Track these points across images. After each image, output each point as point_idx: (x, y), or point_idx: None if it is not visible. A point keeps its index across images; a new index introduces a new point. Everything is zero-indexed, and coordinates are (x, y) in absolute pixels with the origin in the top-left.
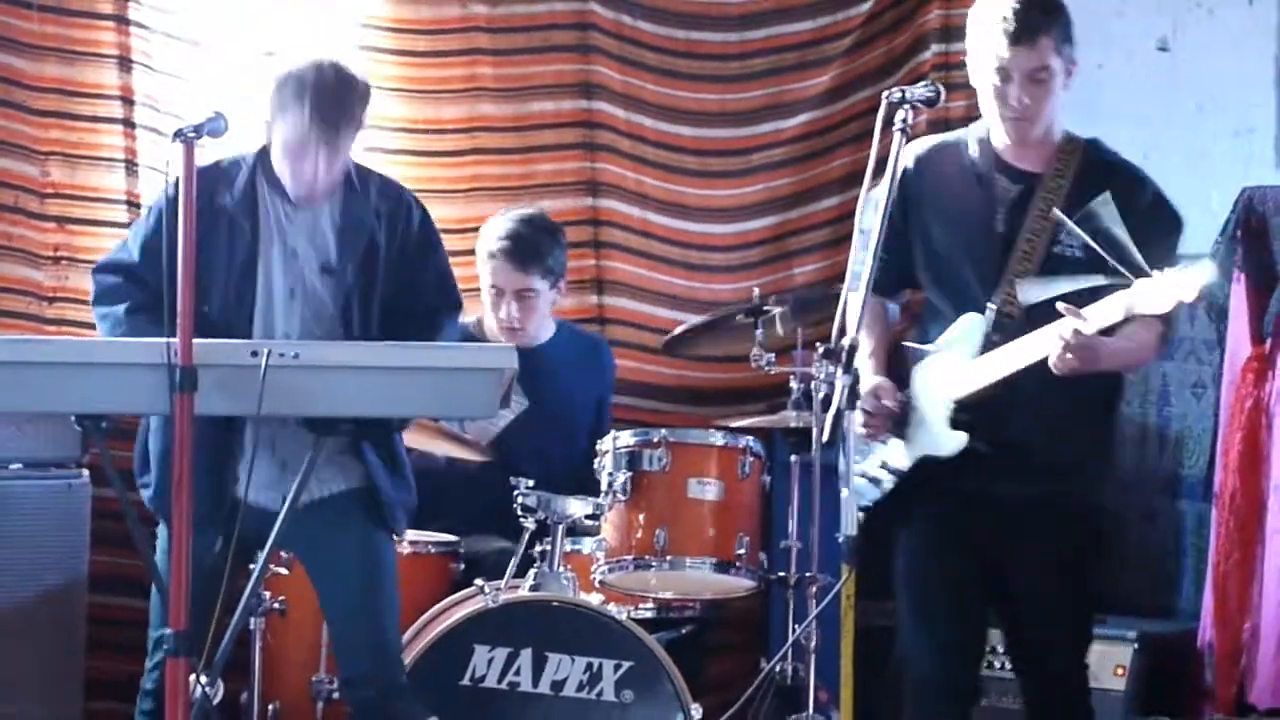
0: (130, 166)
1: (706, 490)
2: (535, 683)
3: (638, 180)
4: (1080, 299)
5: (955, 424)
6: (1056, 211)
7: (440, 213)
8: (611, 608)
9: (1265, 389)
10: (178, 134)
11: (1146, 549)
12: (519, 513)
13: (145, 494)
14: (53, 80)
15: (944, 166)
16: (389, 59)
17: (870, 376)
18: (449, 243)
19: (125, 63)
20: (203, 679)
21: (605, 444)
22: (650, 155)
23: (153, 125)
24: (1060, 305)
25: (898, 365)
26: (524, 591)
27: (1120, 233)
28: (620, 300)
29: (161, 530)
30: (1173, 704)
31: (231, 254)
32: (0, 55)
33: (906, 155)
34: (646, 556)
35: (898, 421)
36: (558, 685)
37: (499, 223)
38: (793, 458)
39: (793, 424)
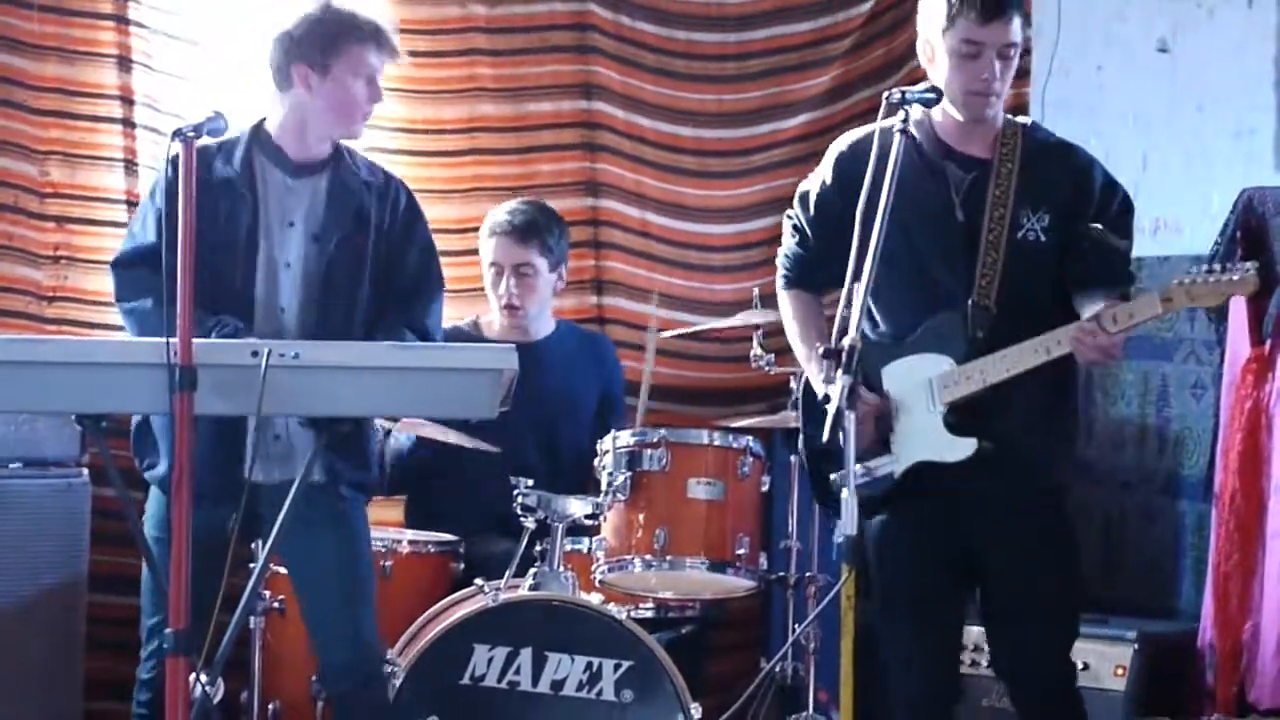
0: (130, 166)
1: (706, 490)
2: (535, 682)
3: (637, 181)
4: (1032, 279)
5: (953, 428)
6: (1097, 226)
7: (439, 213)
8: (611, 607)
9: (1265, 390)
10: (177, 133)
11: (1146, 549)
12: (519, 512)
13: (151, 474)
14: (52, 80)
15: (884, 156)
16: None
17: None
18: (448, 243)
19: (125, 62)
20: (203, 678)
21: (605, 443)
22: (650, 156)
23: (152, 125)
24: (1104, 311)
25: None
26: (524, 591)
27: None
28: (619, 300)
29: (154, 507)
30: (1173, 704)
31: (233, 227)
32: (0, 54)
33: (840, 145)
34: (646, 556)
35: (880, 427)
36: (557, 685)
37: (501, 207)
38: (793, 458)
39: (793, 424)
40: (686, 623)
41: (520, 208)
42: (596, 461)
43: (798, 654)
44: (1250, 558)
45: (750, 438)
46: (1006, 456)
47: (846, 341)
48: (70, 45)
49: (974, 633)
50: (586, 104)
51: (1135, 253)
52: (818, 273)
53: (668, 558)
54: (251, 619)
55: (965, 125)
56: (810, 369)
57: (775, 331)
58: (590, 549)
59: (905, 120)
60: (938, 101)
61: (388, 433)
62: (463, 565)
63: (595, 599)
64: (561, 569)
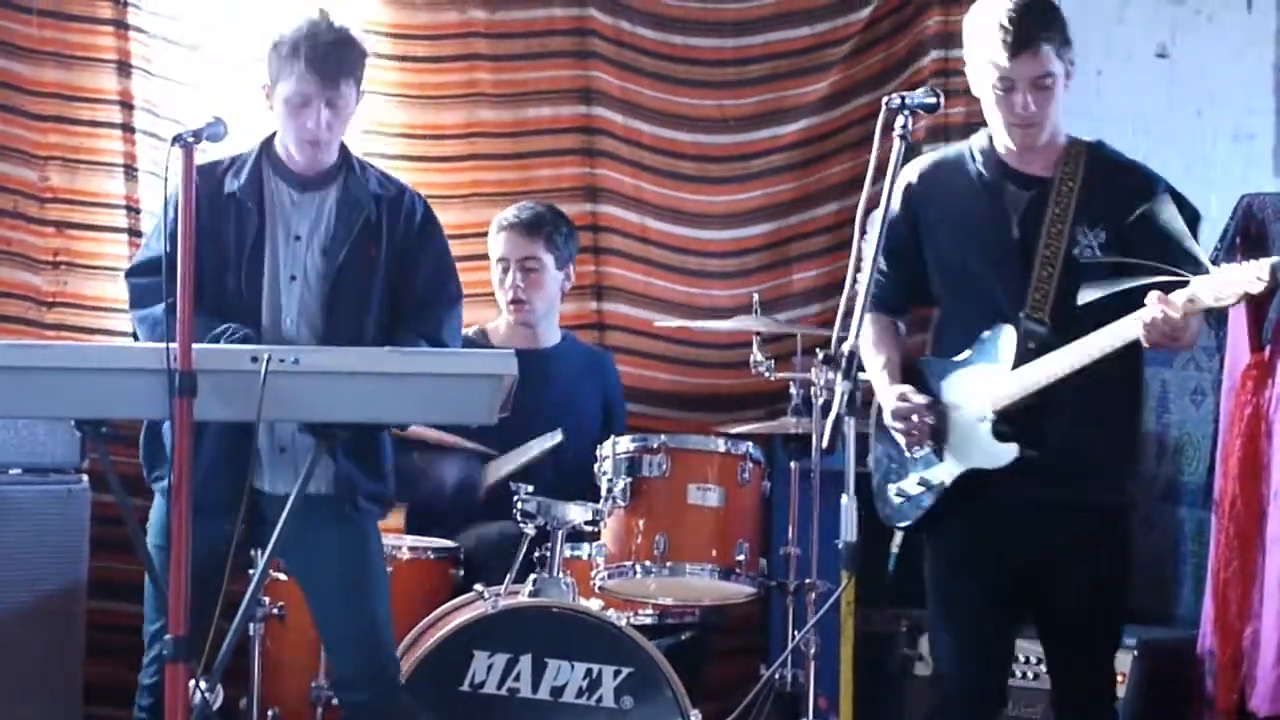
0: (129, 171)
1: (706, 496)
2: (535, 689)
3: (636, 186)
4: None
5: (999, 435)
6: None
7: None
8: (611, 614)
9: (1265, 396)
10: (177, 139)
11: (1146, 556)
12: (519, 518)
13: (159, 485)
14: (52, 85)
15: (949, 179)
16: (388, 64)
17: (892, 387)
18: None
19: (124, 68)
20: (202, 684)
21: (605, 449)
22: (649, 161)
23: (152, 130)
24: (1154, 295)
25: (915, 381)
26: (523, 597)
27: (1177, 229)
28: (619, 306)
29: (156, 515)
30: (1173, 711)
31: (241, 238)
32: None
33: (910, 172)
34: (646, 562)
35: (936, 435)
36: (557, 691)
37: (511, 207)
38: (792, 464)
39: (793, 430)
40: (686, 629)
41: (528, 205)
42: (596, 467)
43: (797, 660)
44: (1250, 564)
45: (750, 444)
46: (1056, 466)
47: (845, 347)
48: (69, 50)
49: None
50: (585, 109)
51: None
52: (896, 297)
53: (667, 564)
54: (251, 625)
55: (1023, 146)
56: (876, 387)
57: (774, 337)
58: (590, 555)
59: (905, 127)
60: (937, 107)
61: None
62: (462, 572)
63: (595, 605)
64: (561, 575)
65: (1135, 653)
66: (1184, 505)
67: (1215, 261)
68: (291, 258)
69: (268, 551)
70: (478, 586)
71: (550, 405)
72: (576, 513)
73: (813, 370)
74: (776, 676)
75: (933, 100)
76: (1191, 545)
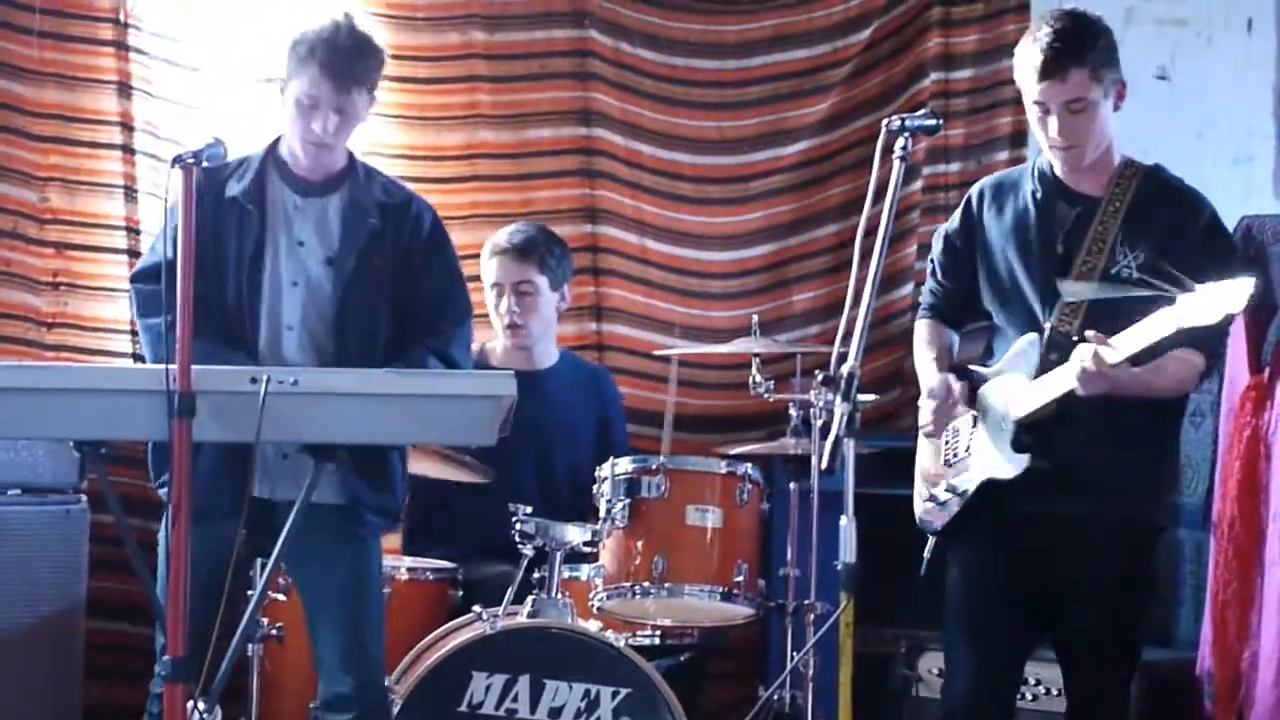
0: (129, 192)
1: (705, 517)
2: (533, 709)
3: (636, 207)
4: (1119, 312)
5: (1018, 444)
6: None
7: None
8: (609, 635)
9: (1264, 418)
10: (177, 160)
11: None
12: (517, 539)
13: (164, 491)
14: (52, 106)
15: (1006, 197)
16: (388, 85)
17: (939, 374)
18: None
19: (125, 89)
20: (200, 705)
21: (604, 470)
22: (649, 182)
23: (152, 151)
24: (1089, 333)
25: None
26: (522, 618)
27: (1178, 249)
28: (619, 327)
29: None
30: None
31: (241, 242)
32: (0, 80)
33: (974, 189)
34: (645, 583)
35: (965, 444)
36: (555, 712)
37: (502, 229)
38: (792, 485)
39: (792, 451)
40: (685, 650)
41: (519, 228)
42: (595, 488)
43: (796, 681)
44: (1249, 586)
45: (749, 465)
46: (1072, 479)
47: (845, 369)
48: (70, 71)
49: None
50: (586, 130)
51: None
52: (950, 308)
53: (666, 585)
54: (249, 646)
55: (1068, 168)
56: (922, 377)
57: (773, 359)
58: (588, 576)
59: (904, 149)
60: (937, 129)
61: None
62: (461, 593)
63: (593, 626)
64: (559, 596)
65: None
66: (1183, 527)
67: None
68: (294, 263)
69: (268, 570)
70: (476, 607)
71: (545, 426)
72: (575, 534)
73: (812, 391)
74: (775, 698)
75: (932, 122)
76: (1190, 567)
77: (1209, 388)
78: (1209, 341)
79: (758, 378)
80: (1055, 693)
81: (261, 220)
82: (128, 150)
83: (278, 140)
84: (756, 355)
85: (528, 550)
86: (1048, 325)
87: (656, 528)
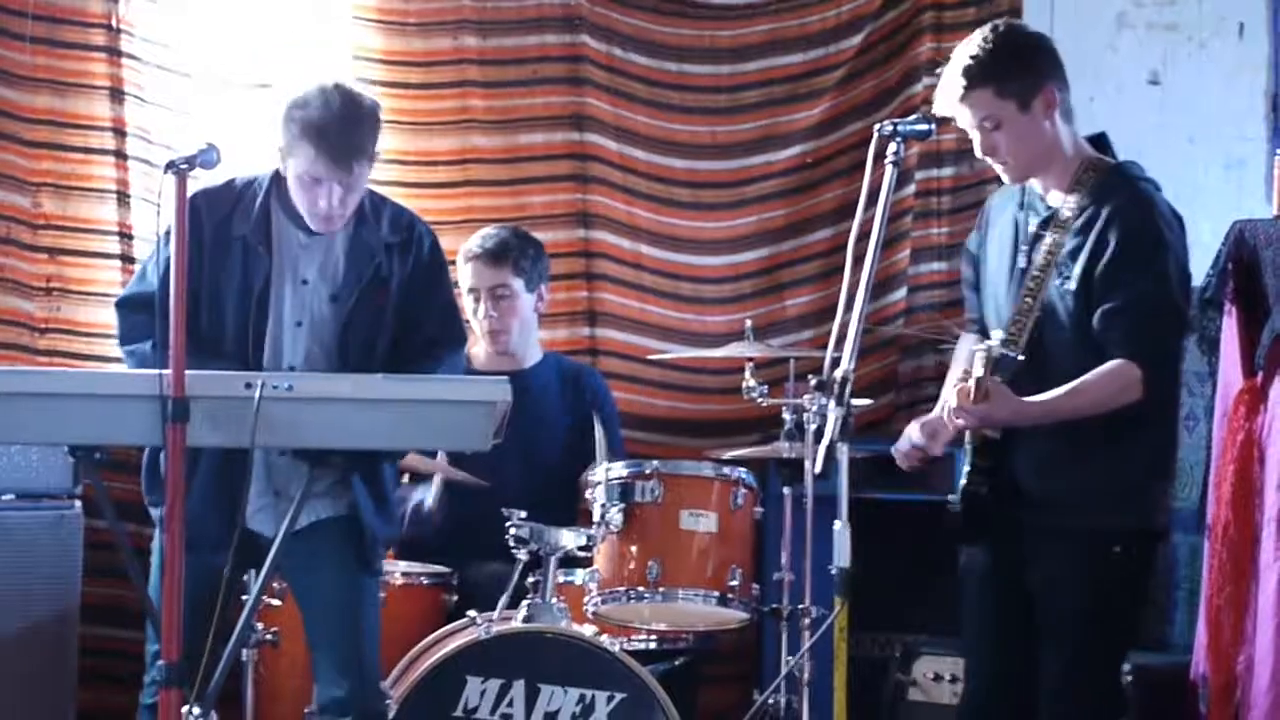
0: (122, 198)
1: (699, 522)
2: (528, 714)
3: (629, 212)
4: (1059, 329)
5: (973, 461)
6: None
7: None
8: (604, 639)
9: (1257, 422)
10: (170, 165)
11: None
12: (511, 544)
13: (157, 512)
14: (45, 112)
15: (1004, 207)
16: (381, 91)
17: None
18: None
19: (117, 94)
20: (196, 710)
21: (597, 475)
22: (642, 187)
23: (145, 157)
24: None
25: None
26: (517, 623)
27: (1106, 260)
28: (612, 332)
29: (159, 537)
30: None
31: (246, 282)
32: None
33: (988, 199)
34: (639, 588)
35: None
36: (550, 717)
37: (475, 234)
38: (786, 489)
39: (786, 455)
40: (680, 654)
41: (491, 232)
42: (589, 493)
43: (791, 686)
44: (1243, 590)
45: (743, 469)
46: (1024, 494)
47: (838, 374)
48: (62, 77)
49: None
50: (579, 135)
51: None
52: (981, 320)
53: (660, 589)
54: (244, 651)
55: (1010, 181)
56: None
57: (766, 363)
58: (583, 581)
59: (897, 153)
60: (929, 134)
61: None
62: (455, 597)
63: (588, 631)
64: (554, 601)
65: (1129, 677)
66: (1177, 531)
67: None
68: (299, 303)
69: (261, 577)
70: (471, 612)
71: (528, 425)
72: (569, 538)
73: (805, 396)
74: (770, 702)
75: (925, 127)
76: (1185, 571)
77: (1203, 391)
78: (1145, 348)
79: (751, 382)
80: None
81: (269, 260)
82: (120, 156)
83: (280, 176)
84: (750, 360)
85: (522, 555)
86: (999, 343)
87: (651, 532)
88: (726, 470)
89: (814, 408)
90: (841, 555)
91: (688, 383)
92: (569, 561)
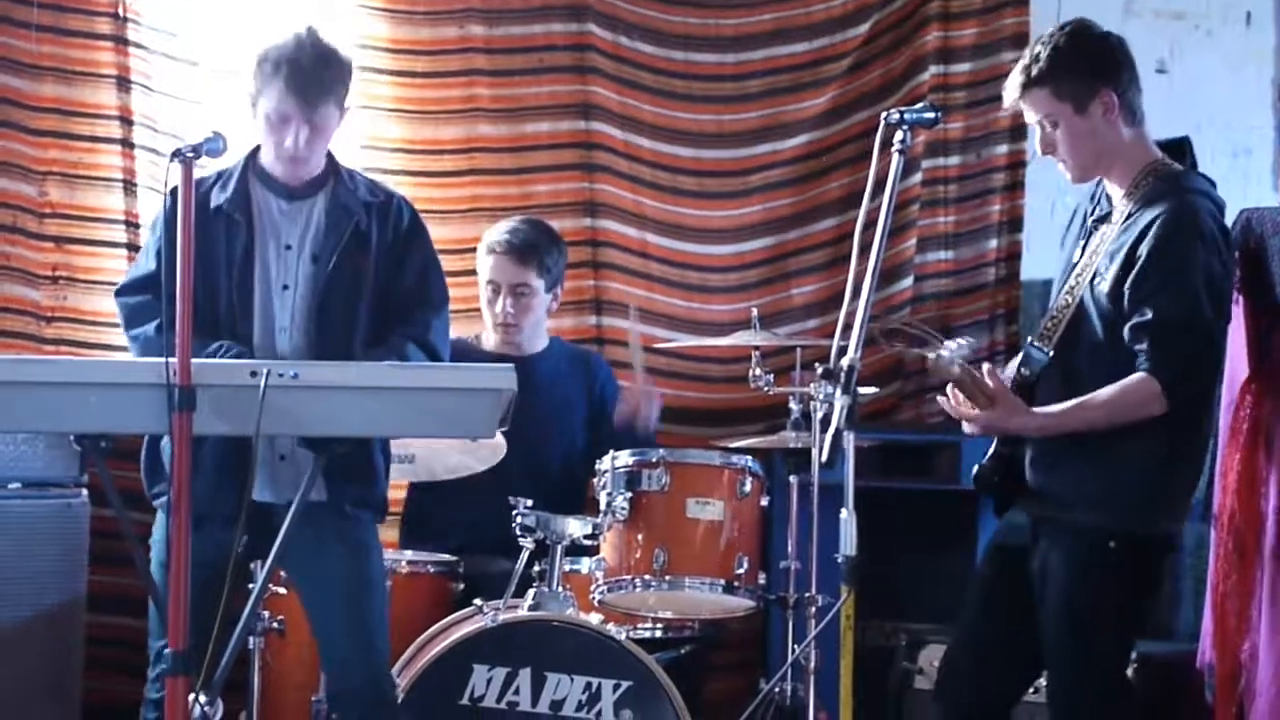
0: (129, 186)
1: (706, 510)
2: (534, 702)
3: (636, 201)
4: (1088, 330)
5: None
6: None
7: (437, 233)
8: (610, 627)
9: (1263, 410)
10: (176, 154)
11: None
12: (518, 533)
13: (159, 501)
14: (51, 100)
15: (1084, 203)
16: (387, 80)
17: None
18: (446, 263)
19: (124, 83)
20: (202, 698)
21: (604, 463)
22: (648, 176)
23: (151, 145)
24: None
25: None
26: (523, 611)
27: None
28: (619, 321)
29: (160, 534)
30: None
31: (230, 252)
32: None
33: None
34: (645, 576)
35: None
36: (557, 705)
37: (501, 224)
38: (792, 478)
39: (792, 444)
40: (686, 643)
41: (520, 227)
42: (595, 481)
43: (797, 674)
44: (1248, 578)
45: (749, 458)
46: (1024, 480)
47: (845, 362)
48: (69, 66)
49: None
50: (585, 124)
51: None
52: None
53: (667, 578)
54: (250, 639)
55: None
56: None
57: (773, 352)
58: (589, 569)
59: (903, 142)
60: (935, 122)
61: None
62: (462, 586)
63: (594, 619)
64: (560, 589)
65: (1135, 666)
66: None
67: None
68: (284, 268)
69: (267, 565)
70: (477, 601)
71: (535, 412)
72: (575, 527)
73: (812, 385)
74: (776, 690)
75: (931, 115)
76: (1190, 559)
77: None
78: (1166, 364)
79: (757, 371)
80: None
81: (249, 228)
82: (127, 144)
83: (256, 150)
84: (756, 348)
85: (528, 543)
86: (1030, 340)
87: (657, 521)
88: (733, 459)
89: (820, 396)
90: (848, 544)
91: (694, 371)
92: (575, 550)
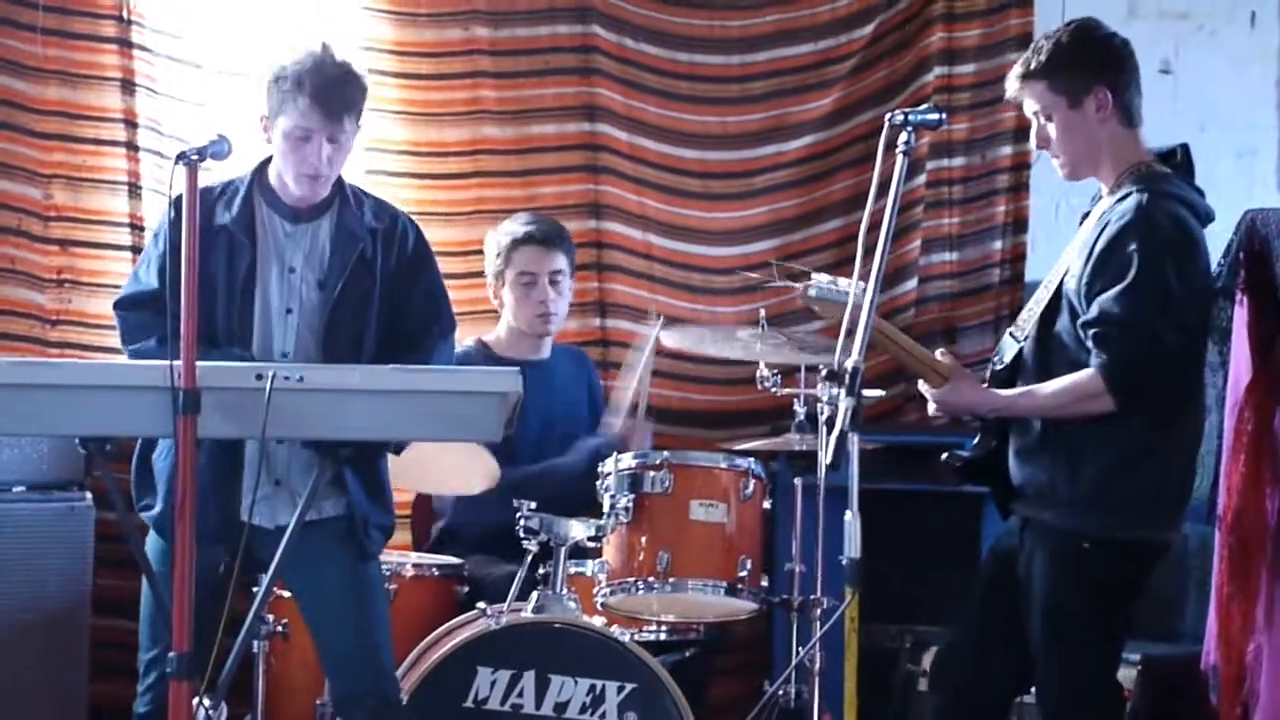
0: (133, 189)
1: (709, 512)
2: (538, 705)
3: (640, 203)
4: (1057, 323)
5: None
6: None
7: (442, 235)
8: (614, 630)
9: (1268, 412)
10: (180, 157)
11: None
12: (522, 535)
13: (147, 515)
14: (55, 103)
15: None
16: (392, 82)
17: None
18: (451, 265)
19: (128, 86)
20: (206, 702)
21: (607, 465)
22: (652, 178)
23: (156, 148)
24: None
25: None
26: (527, 614)
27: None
28: (623, 323)
29: (151, 545)
30: None
31: (231, 272)
32: (3, 78)
33: None
34: (649, 579)
35: None
36: (561, 707)
37: (510, 220)
38: (797, 480)
39: (797, 447)
40: (690, 645)
41: (537, 218)
42: (599, 483)
43: (801, 677)
44: (1253, 580)
45: (752, 460)
46: (1014, 483)
47: (849, 363)
48: (73, 69)
49: None
50: (590, 126)
51: None
52: None
53: (670, 580)
54: (255, 643)
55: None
56: None
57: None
58: (593, 572)
59: (908, 143)
60: (940, 124)
61: None
62: (466, 589)
63: (598, 622)
64: (564, 592)
65: (1139, 668)
66: (1188, 520)
67: (1219, 278)
68: (286, 291)
69: (271, 572)
70: (481, 603)
71: (548, 415)
72: (579, 529)
73: (817, 386)
74: (780, 693)
75: (935, 116)
76: (1195, 560)
77: (1214, 381)
78: (1110, 363)
79: (764, 372)
80: None
81: (253, 249)
82: (131, 147)
83: (263, 166)
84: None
85: (532, 546)
86: (1010, 330)
87: (660, 523)
88: (736, 461)
89: (825, 398)
90: (852, 546)
91: (699, 373)
92: (579, 552)
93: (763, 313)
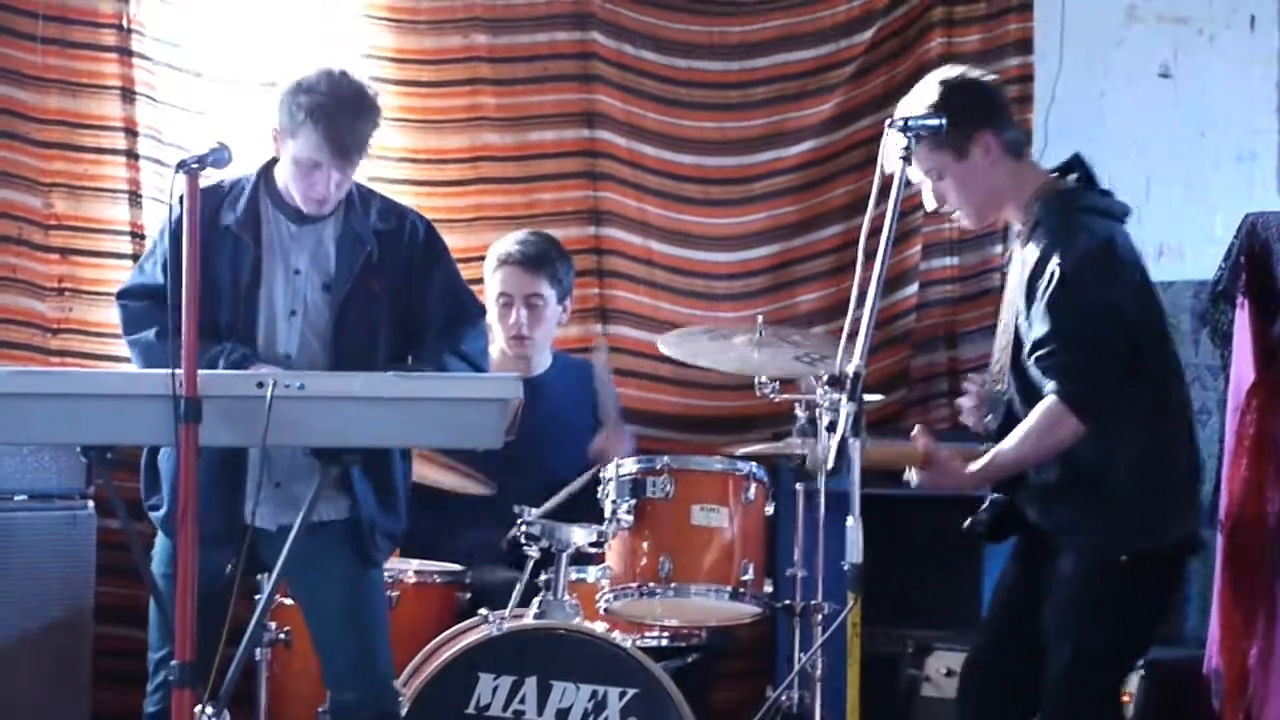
0: (134, 198)
1: (711, 517)
2: (540, 711)
3: (640, 209)
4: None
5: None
6: None
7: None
8: (617, 636)
9: (1269, 414)
10: (181, 165)
11: None
12: (523, 541)
13: (155, 515)
14: (56, 112)
15: None
16: (392, 89)
17: None
18: None
19: (128, 94)
20: (208, 710)
21: (609, 471)
22: (652, 184)
23: (156, 156)
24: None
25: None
26: (529, 620)
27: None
28: (623, 329)
29: (160, 544)
30: None
31: (236, 273)
32: (3, 87)
33: None
34: (651, 584)
35: None
36: (563, 714)
37: (508, 236)
38: (798, 485)
39: (798, 451)
40: (692, 651)
41: (529, 238)
42: (600, 489)
43: (804, 682)
44: (1255, 583)
45: (753, 464)
46: (1031, 524)
47: (851, 369)
48: (74, 78)
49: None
50: (589, 132)
51: None
52: None
53: (672, 585)
54: (257, 651)
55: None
56: None
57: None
58: (595, 578)
59: (908, 149)
60: (940, 129)
61: None
62: (469, 595)
63: (600, 627)
64: (566, 597)
65: (1141, 672)
66: None
67: (1219, 283)
68: (291, 292)
69: (273, 577)
70: (483, 610)
71: (543, 433)
72: (581, 535)
73: (818, 392)
74: (783, 698)
75: (935, 122)
76: (1197, 564)
77: (1215, 385)
78: (1062, 382)
79: (764, 378)
80: None
81: (257, 250)
82: (132, 156)
83: (270, 165)
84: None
85: (534, 552)
86: (987, 379)
87: (662, 528)
88: (738, 465)
89: (826, 403)
90: (854, 551)
91: (699, 379)
92: (581, 558)
93: (760, 319)
